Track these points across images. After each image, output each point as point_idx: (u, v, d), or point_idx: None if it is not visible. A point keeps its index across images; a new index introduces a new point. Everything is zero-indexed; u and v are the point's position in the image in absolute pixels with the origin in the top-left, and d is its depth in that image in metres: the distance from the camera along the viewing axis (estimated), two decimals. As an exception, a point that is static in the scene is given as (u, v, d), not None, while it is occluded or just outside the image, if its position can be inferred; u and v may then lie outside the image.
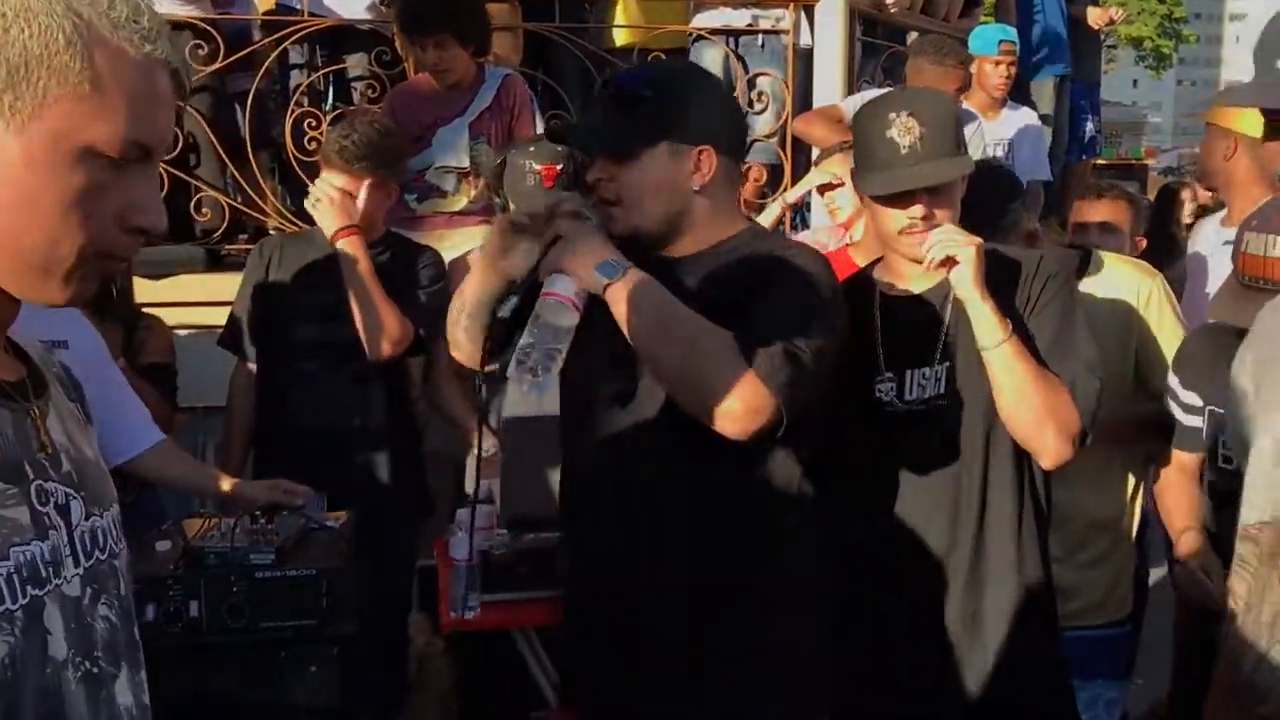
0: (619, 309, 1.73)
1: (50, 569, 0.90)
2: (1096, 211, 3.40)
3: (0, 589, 0.85)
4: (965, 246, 1.94)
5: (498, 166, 3.22)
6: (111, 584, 1.00)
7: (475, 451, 3.17)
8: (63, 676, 0.90)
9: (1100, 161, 8.90)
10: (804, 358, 1.71)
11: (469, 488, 3.23)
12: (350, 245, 3.00)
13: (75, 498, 0.95)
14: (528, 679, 2.87)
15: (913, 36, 5.38)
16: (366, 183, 3.05)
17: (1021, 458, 2.05)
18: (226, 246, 4.31)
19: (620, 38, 4.86)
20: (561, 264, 1.75)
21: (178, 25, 4.20)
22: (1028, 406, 1.93)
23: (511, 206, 3.16)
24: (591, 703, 2.00)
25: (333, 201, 3.01)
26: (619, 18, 4.89)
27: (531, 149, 3.11)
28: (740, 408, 1.67)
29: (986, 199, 2.37)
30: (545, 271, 1.77)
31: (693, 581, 1.84)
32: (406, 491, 3.23)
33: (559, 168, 3.07)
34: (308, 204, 3.06)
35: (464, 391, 3.41)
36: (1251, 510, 1.49)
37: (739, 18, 4.79)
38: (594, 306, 1.75)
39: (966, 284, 1.93)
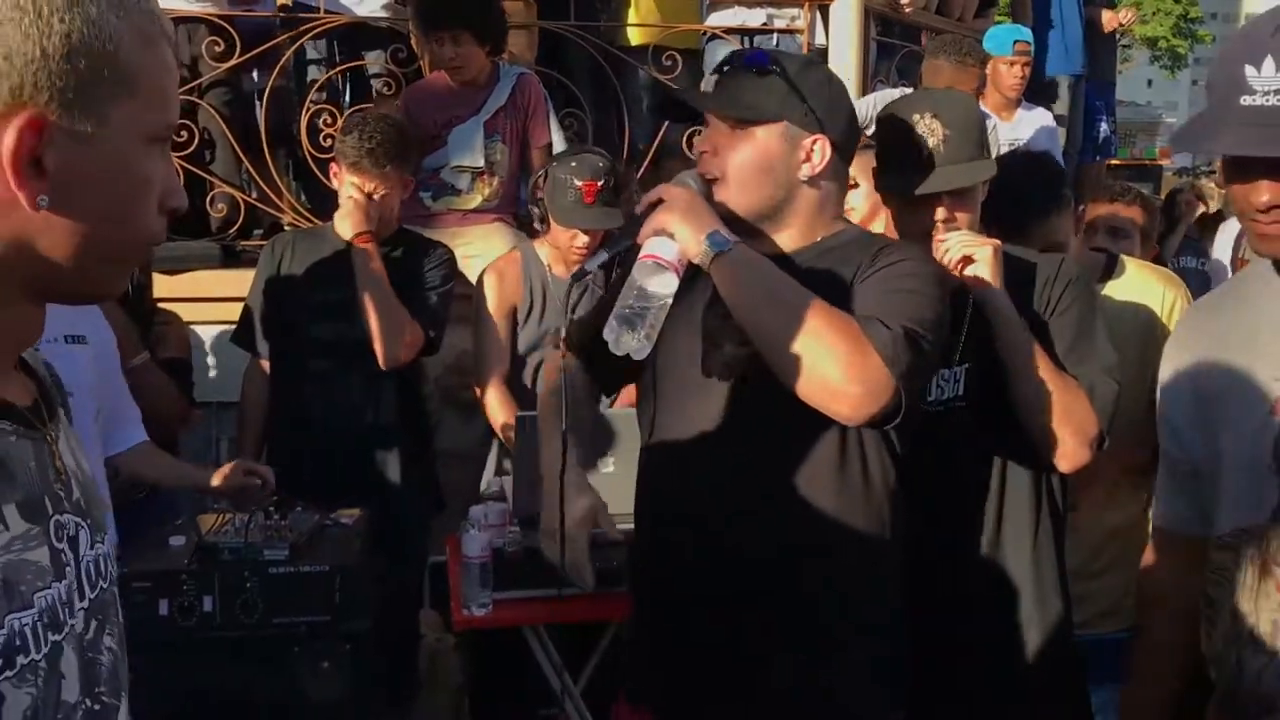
0: (728, 284, 1.67)
1: (65, 610, 0.88)
2: (1108, 213, 3.40)
3: (26, 640, 0.82)
4: (982, 247, 1.95)
5: (539, 178, 3.24)
6: (112, 612, 0.97)
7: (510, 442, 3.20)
8: (77, 716, 0.88)
9: (1114, 162, 8.87)
10: (924, 345, 1.65)
11: (485, 482, 3.25)
12: (366, 250, 3.02)
13: (83, 526, 0.92)
14: (538, 676, 2.87)
15: (927, 36, 5.36)
16: (394, 184, 3.08)
17: (1043, 471, 2.04)
18: (241, 242, 4.32)
19: (635, 36, 4.86)
20: (668, 227, 1.69)
21: (194, 21, 4.22)
22: (1045, 412, 1.93)
23: (551, 220, 3.17)
24: (661, 702, 1.95)
25: (358, 206, 3.03)
26: (633, 16, 4.89)
27: (573, 163, 3.12)
28: (860, 390, 1.59)
29: (1031, 188, 2.38)
30: (647, 233, 1.71)
31: (777, 578, 1.78)
32: (418, 488, 3.24)
33: (600, 183, 3.08)
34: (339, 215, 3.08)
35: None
36: (1226, 520, 1.50)
37: (754, 17, 4.79)
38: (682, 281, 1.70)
39: (985, 289, 1.94)
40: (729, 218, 1.77)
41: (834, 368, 1.60)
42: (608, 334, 1.69)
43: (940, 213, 2.00)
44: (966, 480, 2.07)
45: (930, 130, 1.99)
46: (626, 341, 1.67)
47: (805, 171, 1.78)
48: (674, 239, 1.69)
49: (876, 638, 1.83)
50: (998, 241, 1.97)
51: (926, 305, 1.69)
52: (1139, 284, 2.73)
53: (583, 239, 3.10)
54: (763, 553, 1.78)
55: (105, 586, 0.95)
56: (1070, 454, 1.95)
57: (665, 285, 1.68)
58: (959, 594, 2.06)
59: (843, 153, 1.82)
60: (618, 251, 1.80)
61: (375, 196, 3.06)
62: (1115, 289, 2.71)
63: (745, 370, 1.76)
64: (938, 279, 1.75)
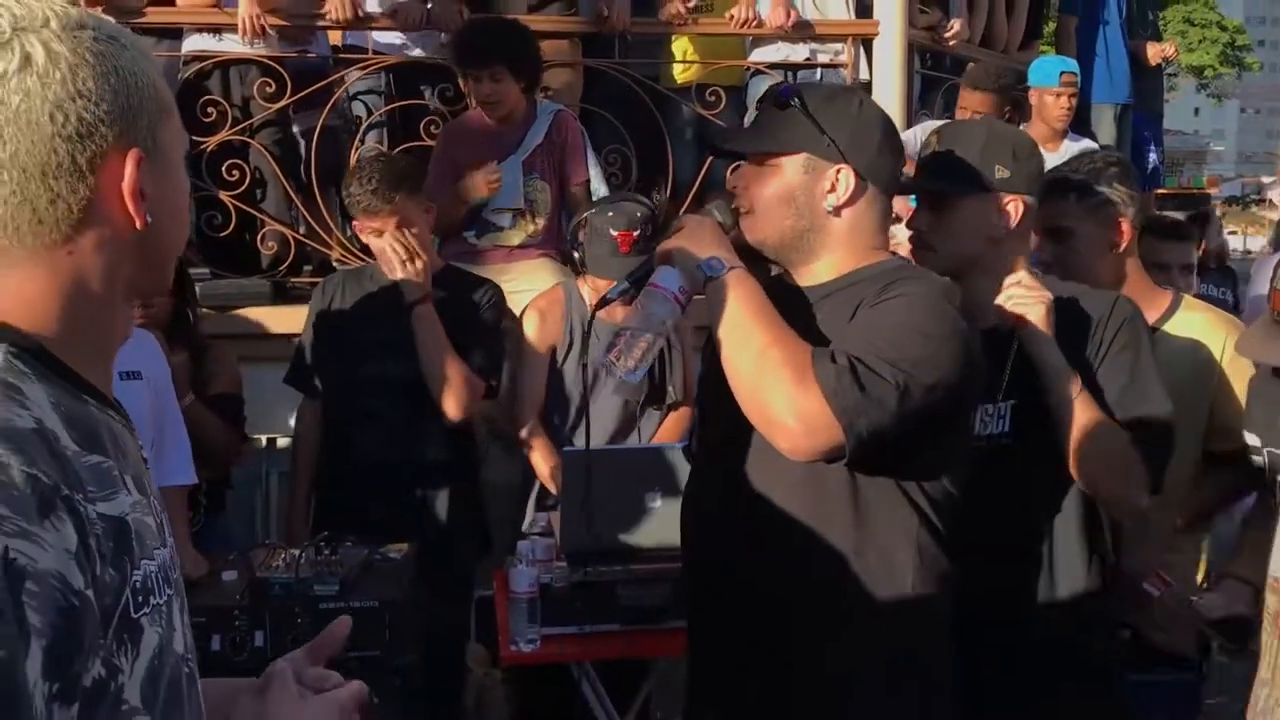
0: (710, 309, 1.69)
1: (171, 570, 1.00)
2: (1159, 249, 3.36)
3: (151, 584, 0.94)
4: (1036, 304, 1.94)
5: (577, 225, 3.26)
6: (183, 600, 1.06)
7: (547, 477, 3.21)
8: (181, 670, 0.98)
9: (1161, 191, 8.79)
10: (885, 381, 1.59)
11: (529, 519, 3.26)
12: (426, 313, 3.05)
13: (161, 516, 1.03)
14: (585, 712, 2.87)
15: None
16: (412, 211, 3.09)
17: (1090, 504, 2.02)
18: (291, 279, 4.39)
19: (678, 72, 4.90)
20: (670, 255, 1.73)
21: (245, 63, 4.31)
22: (1099, 461, 1.91)
23: (589, 266, 3.20)
24: None
25: (407, 261, 3.03)
26: (677, 53, 4.93)
27: (610, 213, 3.14)
28: (796, 425, 1.57)
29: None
30: (656, 260, 1.75)
31: (793, 620, 1.76)
32: (465, 523, 3.26)
33: (635, 233, 3.09)
34: (390, 270, 3.09)
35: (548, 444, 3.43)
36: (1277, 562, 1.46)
37: (797, 52, 4.82)
38: None
39: (1036, 341, 1.93)
40: (759, 246, 1.79)
41: (774, 400, 1.59)
42: (599, 360, 1.71)
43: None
44: (1014, 518, 2.04)
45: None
46: (617, 368, 1.69)
47: (830, 202, 1.78)
48: (677, 267, 1.72)
49: (907, 681, 1.77)
50: (1049, 295, 1.97)
51: (912, 342, 1.63)
52: (1197, 324, 2.67)
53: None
54: (778, 593, 1.76)
55: (176, 576, 1.03)
56: (1125, 503, 1.93)
57: (661, 313, 1.69)
58: (1004, 642, 2.03)
59: (876, 181, 1.80)
60: (637, 280, 1.82)
61: (401, 232, 3.06)
62: (1173, 327, 2.66)
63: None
64: (943, 314, 1.69)
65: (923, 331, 1.65)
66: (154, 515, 0.98)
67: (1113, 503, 1.94)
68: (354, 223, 3.24)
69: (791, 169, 1.77)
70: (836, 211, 1.78)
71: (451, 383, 3.04)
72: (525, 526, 3.21)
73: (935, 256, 2.03)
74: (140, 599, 0.91)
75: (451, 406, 3.06)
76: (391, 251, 3.04)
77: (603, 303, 1.85)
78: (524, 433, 3.29)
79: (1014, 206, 2.04)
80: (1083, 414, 1.92)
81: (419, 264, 3.04)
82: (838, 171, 1.77)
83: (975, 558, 1.85)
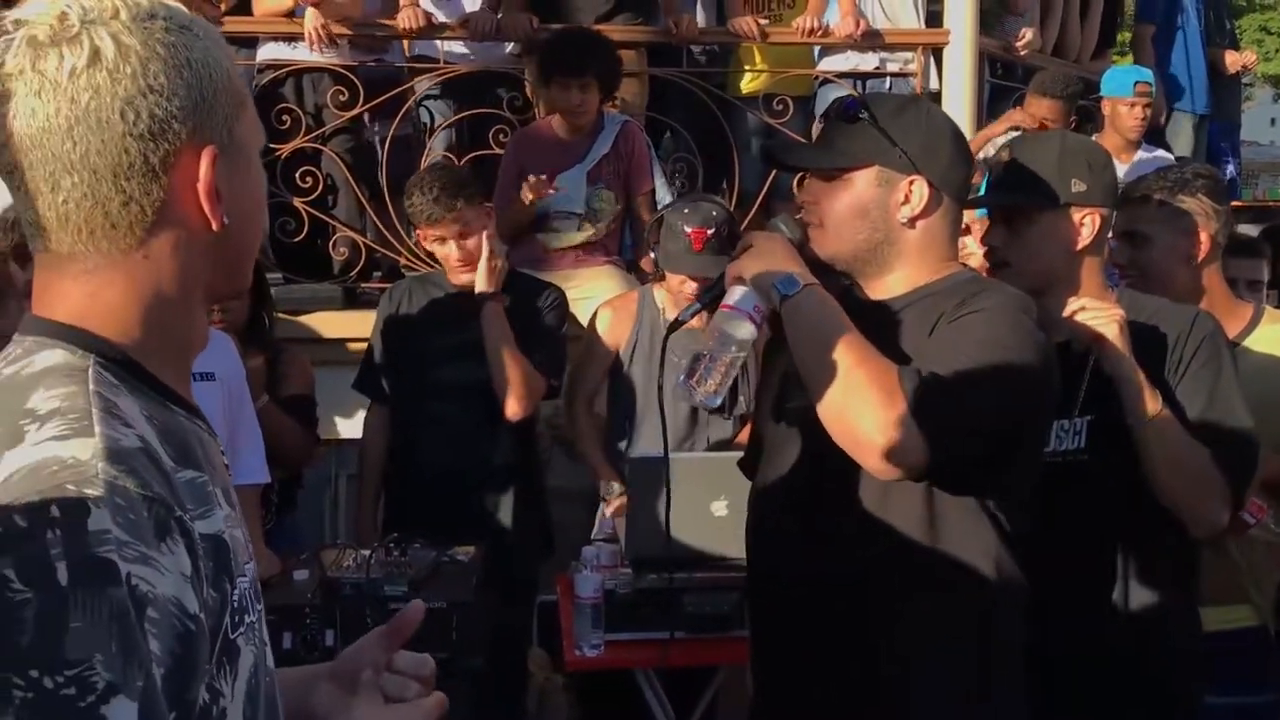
0: (789, 328, 1.68)
1: (258, 586, 0.97)
2: (1235, 263, 3.29)
3: (245, 601, 0.90)
4: (1109, 323, 1.91)
5: (654, 224, 3.28)
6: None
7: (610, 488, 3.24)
8: (273, 686, 0.97)
9: (1236, 204, 8.60)
10: (970, 399, 1.58)
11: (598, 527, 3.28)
12: (496, 310, 3.09)
13: (243, 526, 1.00)
14: (647, 718, 2.87)
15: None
16: (474, 217, 3.14)
17: (1171, 526, 1.98)
18: (362, 284, 4.46)
19: (745, 82, 4.90)
20: (742, 274, 1.72)
21: (319, 71, 4.38)
22: (1180, 479, 1.88)
23: (662, 262, 3.22)
24: None
25: (485, 264, 3.09)
26: (745, 63, 4.92)
27: (686, 210, 3.16)
28: (883, 442, 1.55)
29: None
30: (727, 281, 1.74)
31: (860, 632, 1.74)
32: (530, 527, 3.28)
33: (710, 231, 3.11)
34: (454, 276, 3.17)
35: (597, 427, 3.46)
36: None
37: (866, 61, 4.79)
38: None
39: (1113, 359, 1.91)
40: (830, 261, 1.78)
41: (860, 419, 1.58)
42: (680, 384, 1.70)
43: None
44: (1089, 534, 2.01)
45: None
46: (695, 391, 1.68)
47: (905, 213, 1.76)
48: (751, 286, 1.71)
49: (978, 698, 1.74)
50: (1121, 313, 1.94)
51: (993, 360, 1.62)
52: None
53: (691, 286, 3.12)
54: (848, 607, 1.74)
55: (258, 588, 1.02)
56: (1207, 522, 1.90)
57: (739, 334, 1.67)
58: (1082, 653, 2.00)
59: (949, 192, 1.79)
60: (708, 301, 1.81)
61: (465, 240, 3.11)
62: (1255, 341, 2.60)
63: (815, 426, 1.69)
64: (1022, 328, 1.67)
65: (1004, 346, 1.63)
66: (241, 527, 0.95)
67: (1193, 520, 1.90)
68: (417, 231, 3.29)
69: (863, 182, 1.76)
70: (911, 223, 1.77)
71: (514, 379, 3.07)
72: (594, 534, 3.23)
73: (1011, 273, 2.01)
74: (236, 619, 0.88)
75: (514, 403, 3.09)
76: (479, 251, 3.10)
77: (675, 325, 1.86)
78: (573, 408, 3.40)
79: (1090, 220, 2.02)
80: (1163, 431, 1.89)
81: (497, 264, 3.09)
82: (910, 183, 1.75)
83: (1049, 574, 1.83)
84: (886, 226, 1.76)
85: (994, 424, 1.62)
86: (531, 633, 3.57)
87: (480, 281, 3.10)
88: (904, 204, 1.76)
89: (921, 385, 1.57)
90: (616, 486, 3.20)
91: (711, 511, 2.83)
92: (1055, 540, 1.91)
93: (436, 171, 3.21)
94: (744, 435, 3.36)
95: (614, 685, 2.92)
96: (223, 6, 4.46)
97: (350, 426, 3.61)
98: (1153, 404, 1.89)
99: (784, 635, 1.85)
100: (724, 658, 2.80)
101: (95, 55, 0.86)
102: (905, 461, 1.57)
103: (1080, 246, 2.02)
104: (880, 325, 1.73)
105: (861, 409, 1.58)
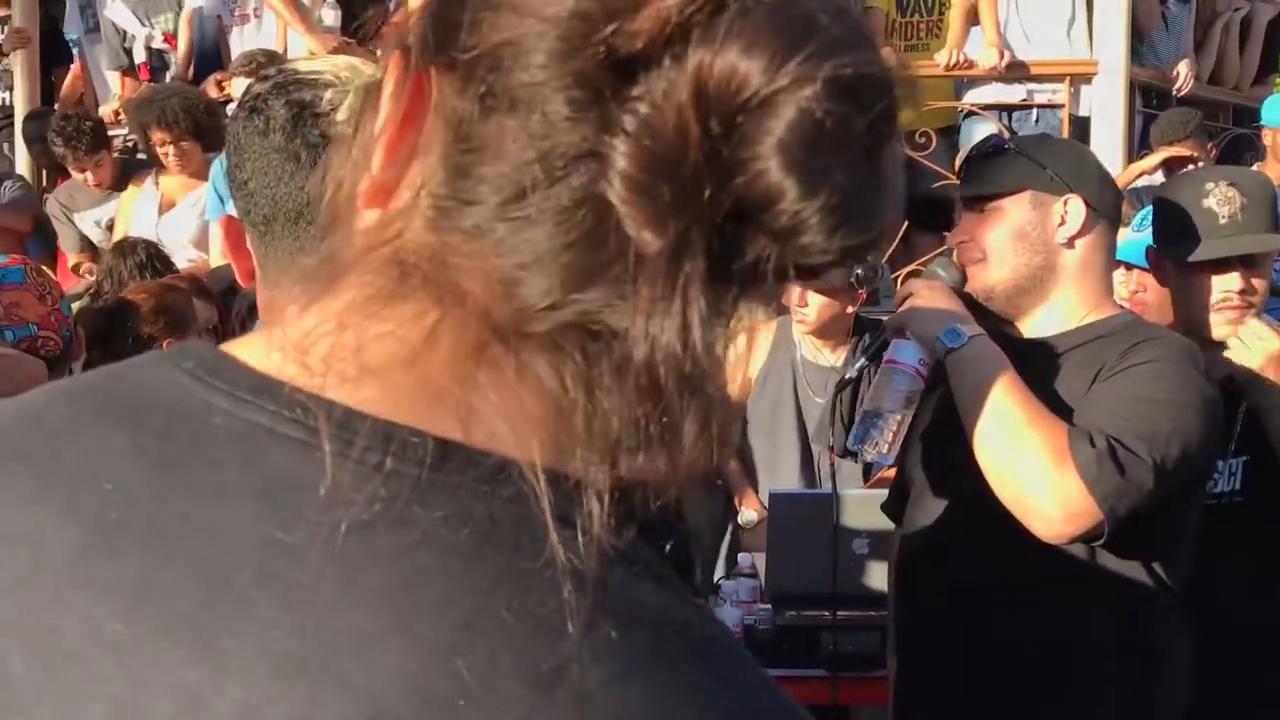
0: (954, 380, 1.67)
1: None
2: None
3: None
4: (1259, 354, 1.87)
5: None
6: None
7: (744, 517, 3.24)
8: None
9: None
10: (1143, 461, 1.54)
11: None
12: None
13: None
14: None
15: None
16: None
17: None
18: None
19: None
20: (906, 327, 1.72)
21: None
22: None
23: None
24: None
25: None
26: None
27: None
28: (1055, 511, 1.53)
29: None
30: (889, 333, 1.75)
31: (1036, 677, 1.70)
32: (676, 559, 3.29)
33: None
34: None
35: (743, 453, 3.46)
36: None
37: (1013, 92, 4.72)
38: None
39: (1264, 392, 1.87)
40: (988, 294, 1.76)
41: (1031, 483, 1.55)
42: (851, 443, 1.69)
43: (1236, 281, 1.91)
44: (1246, 579, 1.94)
45: (1226, 198, 1.92)
46: (867, 451, 1.67)
47: (1063, 234, 1.74)
48: (914, 340, 1.70)
49: None
50: (1277, 343, 1.88)
51: (1167, 416, 1.58)
52: None
53: (801, 305, 3.11)
54: (1003, 657, 1.71)
55: None
56: None
57: (907, 391, 1.66)
58: (1240, 701, 1.93)
59: (1101, 210, 1.77)
60: (872, 354, 1.81)
61: None
62: None
63: (971, 473, 1.67)
64: (1192, 381, 1.63)
65: (1175, 403, 1.60)
66: None
67: None
68: None
69: (1016, 208, 1.75)
70: (1070, 243, 1.75)
71: None
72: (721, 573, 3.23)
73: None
74: None
75: None
76: None
77: (844, 384, 1.87)
78: None
79: None
80: None
81: None
82: (1065, 202, 1.74)
83: (1206, 621, 1.77)
84: (1046, 249, 1.74)
85: (1166, 483, 1.57)
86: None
87: None
88: (1061, 224, 1.74)
89: (1095, 451, 1.54)
90: (755, 516, 3.20)
91: (854, 549, 2.81)
92: (1212, 587, 1.85)
93: None
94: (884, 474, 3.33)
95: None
96: (378, 53, 4.65)
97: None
98: None
99: (930, 679, 1.82)
100: (865, 698, 2.76)
101: None
102: (1076, 528, 1.55)
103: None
104: (1039, 369, 1.70)
105: (1031, 472, 1.55)
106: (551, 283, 0.45)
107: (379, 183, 0.50)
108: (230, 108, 4.52)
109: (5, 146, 6.02)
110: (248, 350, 0.50)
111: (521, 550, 0.44)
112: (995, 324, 1.78)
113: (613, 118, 0.44)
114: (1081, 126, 4.67)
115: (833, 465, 1.93)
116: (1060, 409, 1.62)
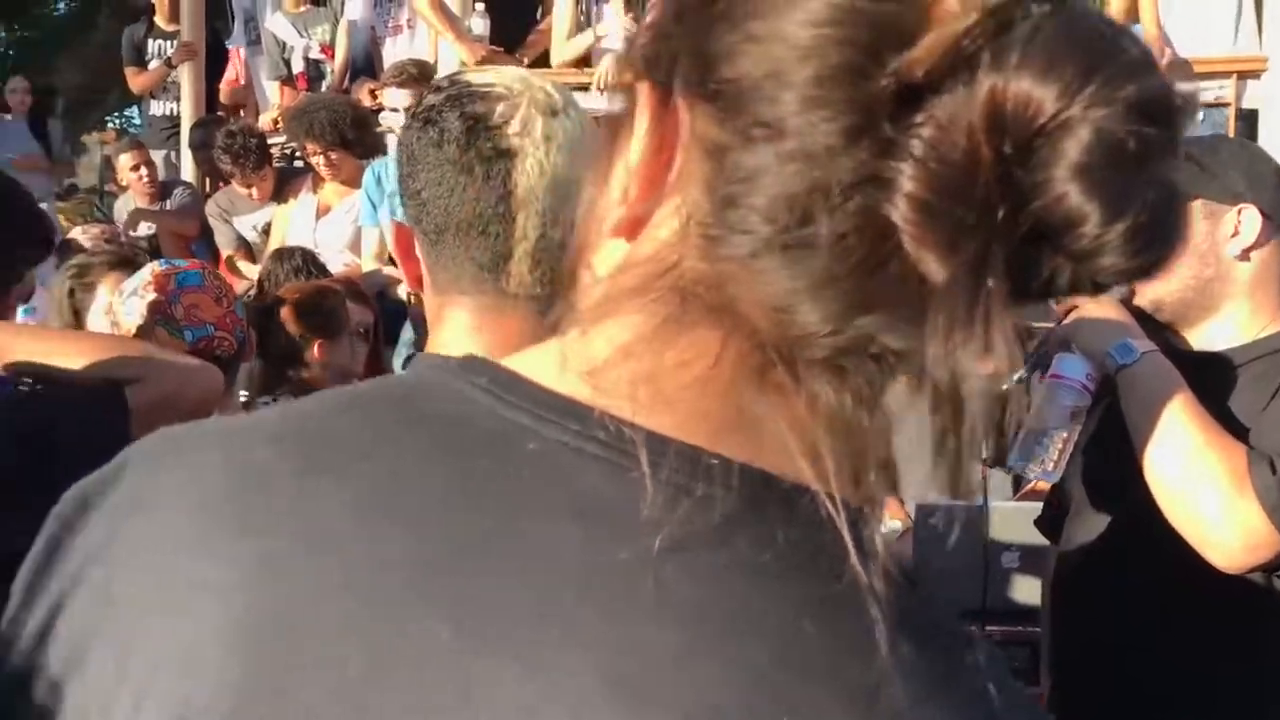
0: (1125, 399, 1.60)
1: None
2: None
3: None
4: None
5: None
6: None
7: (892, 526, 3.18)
8: None
9: None
10: None
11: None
12: None
13: None
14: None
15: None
16: None
17: None
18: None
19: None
20: (1073, 340, 1.66)
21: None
22: None
23: None
24: None
25: None
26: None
27: None
28: (1233, 539, 1.47)
29: None
30: (1054, 347, 1.69)
31: (1183, 694, 1.64)
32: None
33: None
34: None
35: None
36: None
37: (1174, 91, 4.54)
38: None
39: None
40: (1155, 306, 1.69)
41: (1209, 511, 1.48)
42: (1013, 461, 1.65)
43: None
44: None
45: None
46: (1032, 469, 1.62)
47: (1235, 246, 1.65)
48: (1081, 354, 1.64)
49: None
50: None
51: None
52: None
53: None
54: (1163, 684, 1.64)
55: None
56: None
57: (1070, 405, 1.61)
58: None
59: (1278, 222, 1.67)
60: (1032, 366, 1.76)
61: None
62: None
63: (1134, 490, 1.61)
64: None
65: None
66: None
67: None
68: None
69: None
70: (1244, 255, 1.65)
71: None
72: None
73: None
74: None
75: None
76: None
77: (1000, 394, 1.81)
78: None
79: None
80: None
81: None
82: (1239, 212, 1.65)
83: None
84: (1217, 261, 1.66)
85: None
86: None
87: None
88: (1234, 236, 1.65)
89: (1276, 475, 1.47)
90: (899, 526, 3.15)
91: (1002, 564, 2.75)
92: None
93: None
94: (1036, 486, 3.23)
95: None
96: (525, 60, 4.74)
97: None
98: None
99: (1087, 699, 1.77)
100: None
101: (580, 127, 0.99)
102: (1256, 559, 1.49)
103: None
104: (1211, 385, 1.63)
105: (1208, 499, 1.50)
106: (832, 308, 0.45)
107: (635, 215, 0.50)
108: (382, 116, 4.67)
109: (173, 154, 6.33)
110: (533, 369, 0.50)
111: (819, 572, 0.45)
112: (1164, 336, 1.71)
113: (893, 142, 0.43)
114: (1249, 123, 4.47)
115: (984, 477, 1.88)
116: (1234, 428, 1.55)
